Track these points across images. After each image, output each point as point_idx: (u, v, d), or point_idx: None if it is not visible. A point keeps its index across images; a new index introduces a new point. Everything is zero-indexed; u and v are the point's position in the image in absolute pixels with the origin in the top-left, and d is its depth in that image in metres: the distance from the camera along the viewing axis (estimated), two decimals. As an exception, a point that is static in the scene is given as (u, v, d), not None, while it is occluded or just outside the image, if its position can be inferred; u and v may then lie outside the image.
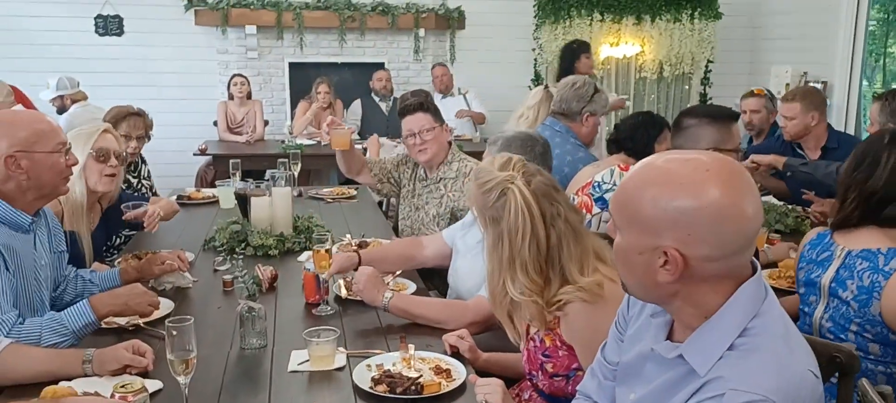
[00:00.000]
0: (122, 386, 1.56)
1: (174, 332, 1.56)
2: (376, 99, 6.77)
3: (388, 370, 1.82)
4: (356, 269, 2.45)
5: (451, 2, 7.34)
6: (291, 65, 7.23)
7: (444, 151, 3.28)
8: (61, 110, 5.64)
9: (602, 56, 7.40)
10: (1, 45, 6.62)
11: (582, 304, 1.66)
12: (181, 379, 1.55)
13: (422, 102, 3.27)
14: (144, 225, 2.94)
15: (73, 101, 5.62)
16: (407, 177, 3.44)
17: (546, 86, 4.10)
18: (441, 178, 3.27)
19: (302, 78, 6.90)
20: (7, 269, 2.00)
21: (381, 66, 7.11)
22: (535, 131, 2.78)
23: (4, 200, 2.05)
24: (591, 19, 7.30)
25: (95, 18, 6.89)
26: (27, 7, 6.71)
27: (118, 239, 3.14)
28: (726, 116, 2.58)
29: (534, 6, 7.39)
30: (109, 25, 6.93)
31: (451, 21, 7.33)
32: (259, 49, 7.12)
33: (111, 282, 2.38)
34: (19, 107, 4.90)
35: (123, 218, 2.93)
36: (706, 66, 7.65)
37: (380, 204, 4.31)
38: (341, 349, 1.95)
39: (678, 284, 1.16)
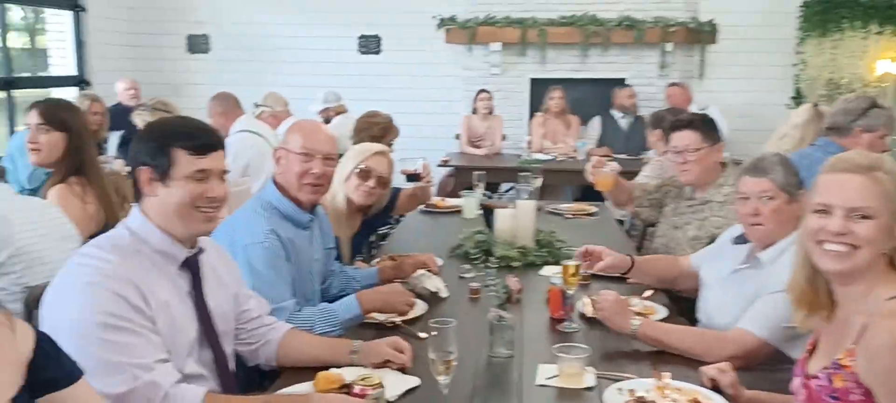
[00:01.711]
0: (362, 379, 1.65)
1: (435, 333, 1.61)
2: (617, 115, 6.63)
3: (642, 396, 1.73)
4: (626, 274, 2.52)
5: (702, 15, 6.99)
6: (532, 80, 7.34)
7: (709, 173, 3.08)
8: (326, 121, 6.22)
9: (878, 72, 6.60)
10: (280, 62, 7.51)
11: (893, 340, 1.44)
12: (441, 379, 1.60)
13: (691, 120, 3.14)
14: (422, 176, 3.35)
15: (337, 113, 6.17)
16: (671, 196, 3.32)
17: (815, 105, 3.72)
18: (708, 201, 3.09)
19: (542, 93, 6.98)
20: (288, 260, 2.22)
21: (621, 81, 6.96)
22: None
23: (288, 198, 2.30)
24: (867, 32, 6.55)
25: (358, 38, 7.56)
26: (302, 29, 7.54)
27: (372, 236, 3.40)
28: None
29: (798, 18, 6.79)
30: (369, 44, 7.57)
31: (701, 35, 6.97)
32: (502, 65, 7.31)
33: (371, 279, 2.57)
34: (293, 118, 5.48)
35: (401, 171, 3.32)
36: None
37: (621, 222, 4.20)
38: (591, 368, 1.90)
39: None
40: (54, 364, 1.27)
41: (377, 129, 3.95)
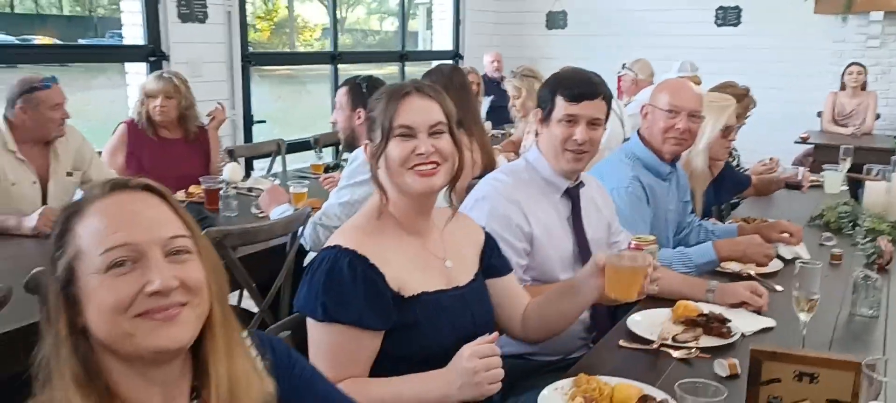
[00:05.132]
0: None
1: (797, 272, 1.71)
2: None
3: None
4: None
5: None
6: (920, 53, 6.50)
7: None
8: (677, 93, 6.26)
9: None
10: (633, 35, 7.66)
11: None
12: (802, 317, 1.70)
13: None
14: (804, 186, 3.58)
15: (690, 84, 6.17)
16: None
17: None
18: None
19: (931, 68, 6.15)
20: (648, 204, 2.45)
21: None
22: None
23: (651, 150, 2.52)
24: None
25: (716, 10, 7.40)
26: (657, 2, 7.61)
27: (722, 205, 3.44)
28: None
29: None
30: (728, 16, 7.36)
31: None
32: (882, 37, 6.59)
33: (729, 234, 2.67)
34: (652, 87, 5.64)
35: (782, 177, 3.63)
36: None
37: None
38: (971, 338, 1.82)
39: None
40: (497, 255, 1.72)
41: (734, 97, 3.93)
